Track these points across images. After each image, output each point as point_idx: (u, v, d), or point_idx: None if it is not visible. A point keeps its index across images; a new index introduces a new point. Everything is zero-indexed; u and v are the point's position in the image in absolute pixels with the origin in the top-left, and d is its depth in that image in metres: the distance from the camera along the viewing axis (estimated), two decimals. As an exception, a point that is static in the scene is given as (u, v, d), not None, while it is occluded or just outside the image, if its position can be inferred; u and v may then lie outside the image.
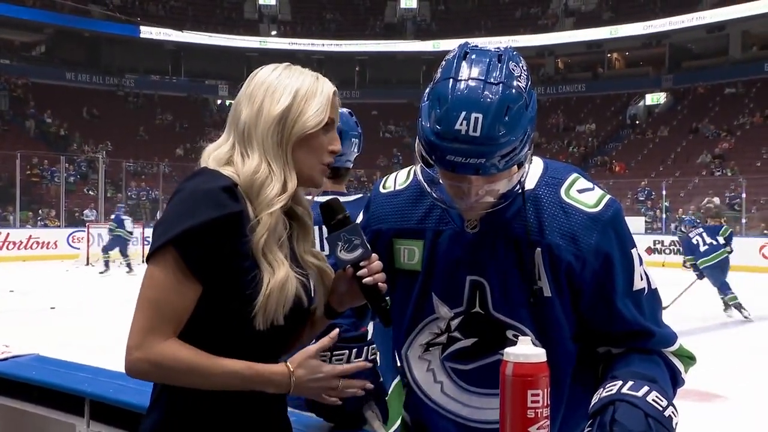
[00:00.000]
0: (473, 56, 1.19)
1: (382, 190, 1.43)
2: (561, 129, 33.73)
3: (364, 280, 1.21)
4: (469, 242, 1.29)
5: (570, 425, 1.33)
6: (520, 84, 1.17)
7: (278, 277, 1.17)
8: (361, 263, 1.22)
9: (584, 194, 1.28)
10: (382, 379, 1.43)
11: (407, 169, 1.43)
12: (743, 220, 21.60)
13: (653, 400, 1.12)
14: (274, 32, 38.58)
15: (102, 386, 1.69)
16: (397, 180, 1.42)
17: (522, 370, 1.04)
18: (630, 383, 1.15)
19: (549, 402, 1.06)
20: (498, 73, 1.16)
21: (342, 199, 2.15)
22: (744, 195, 21.89)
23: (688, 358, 1.31)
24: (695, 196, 24.41)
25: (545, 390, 1.05)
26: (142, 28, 34.63)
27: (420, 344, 1.36)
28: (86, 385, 1.71)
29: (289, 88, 1.23)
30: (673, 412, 1.13)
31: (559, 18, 36.63)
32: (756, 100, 30.14)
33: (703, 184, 25.40)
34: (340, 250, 1.22)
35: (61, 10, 32.76)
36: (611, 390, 1.15)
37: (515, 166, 1.20)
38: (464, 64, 1.18)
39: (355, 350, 1.38)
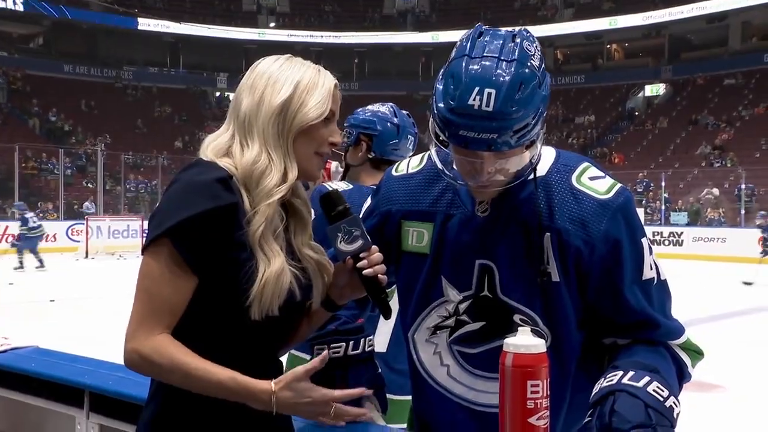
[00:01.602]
0: (487, 36, 1.21)
1: (394, 173, 1.44)
2: (560, 120, 33.70)
3: (364, 272, 1.22)
4: (479, 226, 1.30)
5: (576, 412, 1.33)
6: (533, 63, 1.19)
7: (274, 267, 1.17)
8: (361, 255, 1.22)
9: (595, 181, 1.28)
10: (380, 371, 1.43)
11: (421, 154, 1.44)
12: (742, 211, 21.62)
13: (654, 390, 1.12)
14: (272, 24, 38.45)
15: (101, 378, 1.69)
16: (410, 164, 1.43)
17: (522, 361, 1.04)
18: (631, 373, 1.14)
19: (549, 392, 1.05)
20: (512, 51, 1.18)
21: None
22: (743, 186, 21.90)
23: (696, 353, 1.30)
24: (694, 187, 24.41)
25: (545, 381, 1.05)
26: (140, 20, 34.50)
27: (427, 327, 1.36)
28: (86, 377, 1.71)
29: (290, 80, 1.23)
30: (674, 403, 1.12)
31: (559, 9, 36.52)
32: (755, 91, 30.09)
33: (702, 175, 25.40)
34: (340, 242, 1.22)
35: (59, 2, 32.64)
36: (612, 380, 1.14)
37: (527, 145, 1.20)
38: (478, 43, 1.20)
39: (352, 342, 1.38)
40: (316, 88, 1.23)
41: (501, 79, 1.15)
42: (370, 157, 2.23)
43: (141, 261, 1.17)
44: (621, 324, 1.27)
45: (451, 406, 1.35)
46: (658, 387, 1.12)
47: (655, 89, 34.71)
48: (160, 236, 1.14)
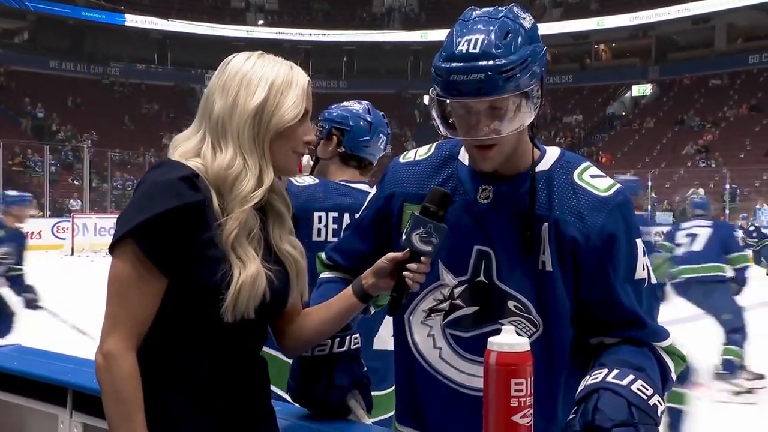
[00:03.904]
0: (480, 10, 1.30)
1: (401, 161, 1.47)
2: (548, 120, 33.84)
3: (405, 274, 1.23)
4: (480, 212, 1.32)
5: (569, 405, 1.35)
6: (523, 23, 1.25)
7: (250, 271, 1.16)
8: (422, 258, 1.23)
9: (596, 179, 1.32)
10: (366, 369, 1.43)
11: (429, 145, 1.48)
12: (726, 211, 21.82)
13: (638, 389, 1.13)
14: (260, 21, 38.32)
15: (85, 376, 1.67)
16: (418, 152, 1.47)
17: (505, 360, 1.04)
18: (615, 371, 1.15)
19: (532, 391, 1.06)
20: (500, 11, 1.26)
21: (363, 187, 2.22)
22: (728, 186, 22.12)
23: (680, 358, 1.31)
24: (680, 187, 24.61)
25: (529, 379, 1.05)
26: (128, 17, 34.28)
27: (423, 310, 1.38)
28: (69, 375, 1.69)
29: (264, 80, 1.21)
30: (658, 401, 1.13)
31: (547, 9, 36.67)
32: (740, 92, 30.39)
33: (688, 175, 25.63)
34: (416, 234, 1.22)
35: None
36: (597, 378, 1.16)
37: (519, 102, 1.23)
38: (472, 12, 1.29)
39: (337, 340, 1.38)
40: (290, 88, 1.22)
41: (488, 27, 1.22)
42: (340, 151, 2.25)
43: (110, 264, 1.16)
44: (609, 321, 1.29)
45: (442, 389, 1.36)
46: (642, 385, 1.13)
47: (642, 89, 34.94)
48: (123, 237, 1.13)
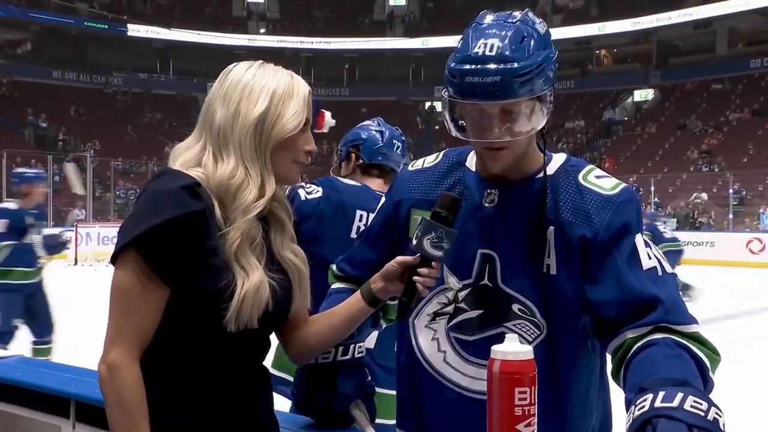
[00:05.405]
0: (495, 13, 1.32)
1: (409, 169, 1.50)
2: (550, 126, 33.57)
3: (416, 279, 1.23)
4: (485, 216, 1.33)
5: (578, 410, 1.33)
6: (538, 29, 1.28)
7: (253, 281, 1.16)
8: (432, 263, 1.23)
9: (602, 179, 1.34)
10: (369, 378, 1.43)
11: (437, 153, 1.50)
12: (730, 216, 21.78)
13: (692, 406, 1.00)
14: (262, 30, 38.46)
15: (88, 387, 1.67)
16: (426, 160, 1.49)
17: (509, 368, 1.04)
18: (662, 393, 1.03)
19: (536, 399, 1.05)
20: (516, 17, 1.28)
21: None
22: (731, 190, 22.08)
23: (712, 353, 1.20)
24: (683, 192, 24.59)
25: (533, 387, 1.04)
26: (130, 26, 34.44)
27: (427, 314, 1.39)
28: (72, 386, 1.69)
29: (265, 90, 1.22)
30: (717, 413, 1.00)
31: (548, 15, 36.71)
32: (742, 96, 30.37)
33: (691, 180, 25.59)
34: (427, 239, 1.22)
35: (47, 8, 32.51)
36: (643, 406, 1.04)
37: (533, 106, 1.25)
38: (487, 16, 1.31)
39: (341, 348, 1.38)
40: (291, 98, 1.23)
41: (504, 32, 1.25)
42: (359, 163, 2.34)
43: (112, 274, 1.16)
44: (627, 312, 1.22)
45: (445, 393, 1.36)
46: (695, 401, 1.01)
47: (643, 95, 34.95)
48: (125, 247, 1.13)
